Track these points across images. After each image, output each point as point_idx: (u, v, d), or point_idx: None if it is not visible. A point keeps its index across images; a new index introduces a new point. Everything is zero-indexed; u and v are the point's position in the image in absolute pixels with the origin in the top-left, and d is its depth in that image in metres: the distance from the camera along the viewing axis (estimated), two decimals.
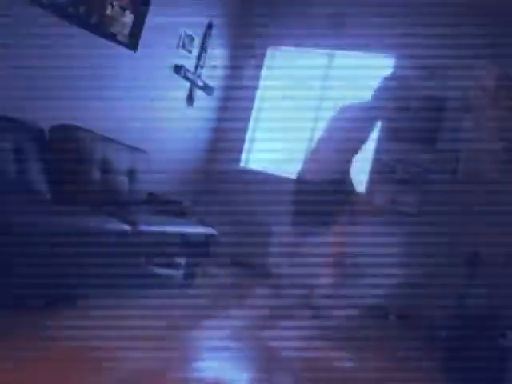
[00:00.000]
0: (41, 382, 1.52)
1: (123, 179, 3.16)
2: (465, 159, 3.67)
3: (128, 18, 3.32)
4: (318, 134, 3.27)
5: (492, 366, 2.51)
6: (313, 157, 2.76)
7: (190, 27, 4.02)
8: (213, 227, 3.31)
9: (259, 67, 4.73)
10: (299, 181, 2.43)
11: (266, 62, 4.75)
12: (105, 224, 2.34)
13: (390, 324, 3.63)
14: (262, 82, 4.74)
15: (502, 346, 2.51)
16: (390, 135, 3.96)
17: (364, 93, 3.52)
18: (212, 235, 3.22)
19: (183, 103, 4.20)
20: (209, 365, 2.05)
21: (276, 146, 4.70)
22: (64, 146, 2.81)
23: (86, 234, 2.21)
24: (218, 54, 4.49)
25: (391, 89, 3.08)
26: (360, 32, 4.19)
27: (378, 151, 3.94)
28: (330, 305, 2.51)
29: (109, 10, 3.14)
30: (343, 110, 3.06)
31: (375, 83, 3.26)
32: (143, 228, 2.55)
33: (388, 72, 3.45)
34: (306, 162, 2.73)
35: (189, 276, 3.26)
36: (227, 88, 4.79)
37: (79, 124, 2.96)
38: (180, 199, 3.52)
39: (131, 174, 3.24)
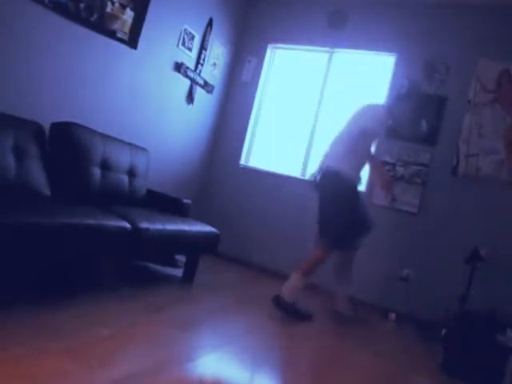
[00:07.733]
0: None
1: (124, 177, 3.15)
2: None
3: (128, 15, 3.31)
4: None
5: (491, 365, 2.52)
6: None
7: (190, 25, 4.00)
8: (213, 225, 3.30)
9: (259, 65, 4.73)
10: None
11: (267, 60, 4.75)
12: (105, 222, 2.32)
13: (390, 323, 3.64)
14: (262, 80, 4.74)
15: (501, 345, 2.51)
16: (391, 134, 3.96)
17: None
18: (213, 233, 3.21)
19: (183, 101, 4.19)
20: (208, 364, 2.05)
21: (275, 145, 4.70)
22: (64, 144, 2.79)
23: (86, 232, 2.19)
24: (218, 52, 4.48)
25: None
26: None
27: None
28: None
29: (109, 8, 3.13)
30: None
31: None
32: (144, 226, 2.54)
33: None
34: None
35: (189, 274, 3.26)
36: (227, 86, 4.78)
37: (79, 121, 2.95)
38: (180, 197, 3.51)
39: (132, 171, 3.23)
